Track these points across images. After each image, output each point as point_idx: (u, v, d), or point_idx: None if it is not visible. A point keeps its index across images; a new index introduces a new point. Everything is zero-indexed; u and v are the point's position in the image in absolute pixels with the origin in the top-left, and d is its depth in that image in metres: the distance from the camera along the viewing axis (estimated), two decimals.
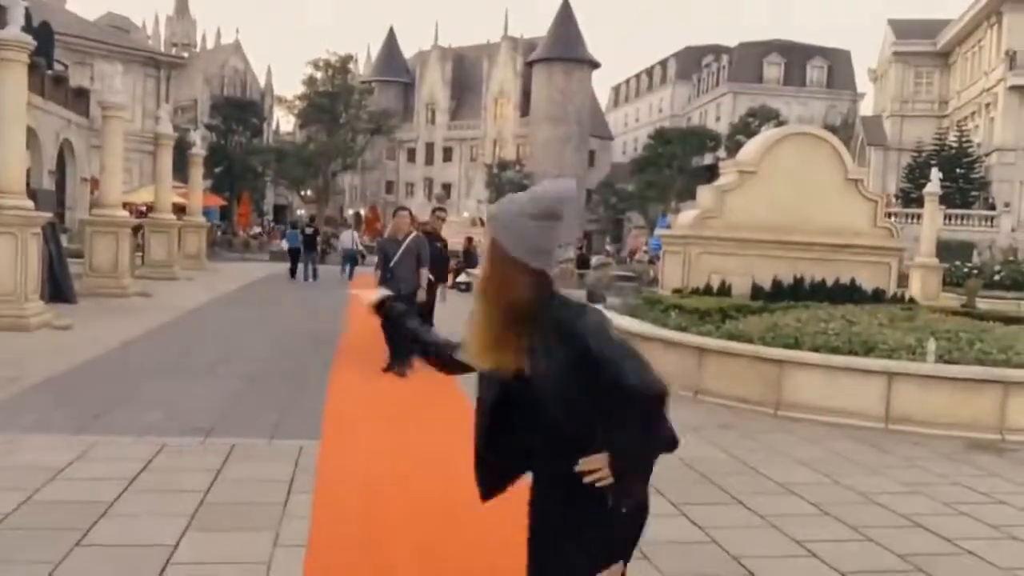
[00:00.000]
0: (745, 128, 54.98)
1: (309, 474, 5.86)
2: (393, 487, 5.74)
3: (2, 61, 12.48)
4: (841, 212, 13.41)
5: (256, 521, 4.87)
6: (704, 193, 14.17)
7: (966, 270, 32.36)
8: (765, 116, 57.15)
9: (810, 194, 13.24)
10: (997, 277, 29.06)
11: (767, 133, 15.85)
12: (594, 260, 20.22)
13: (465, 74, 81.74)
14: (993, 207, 43.97)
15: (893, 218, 27.31)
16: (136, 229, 21.55)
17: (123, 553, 4.31)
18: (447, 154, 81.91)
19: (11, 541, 4.39)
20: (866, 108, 68.98)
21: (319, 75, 60.66)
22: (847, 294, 12.68)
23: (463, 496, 5.86)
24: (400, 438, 7.17)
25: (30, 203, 12.82)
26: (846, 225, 13.42)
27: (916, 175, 46.43)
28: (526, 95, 74.16)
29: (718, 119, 70.18)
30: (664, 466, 6.41)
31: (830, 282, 12.96)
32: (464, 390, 9.32)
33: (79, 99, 34.94)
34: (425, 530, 4.93)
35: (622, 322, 11.18)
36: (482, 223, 56.98)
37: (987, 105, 48.05)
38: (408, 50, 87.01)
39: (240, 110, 57.44)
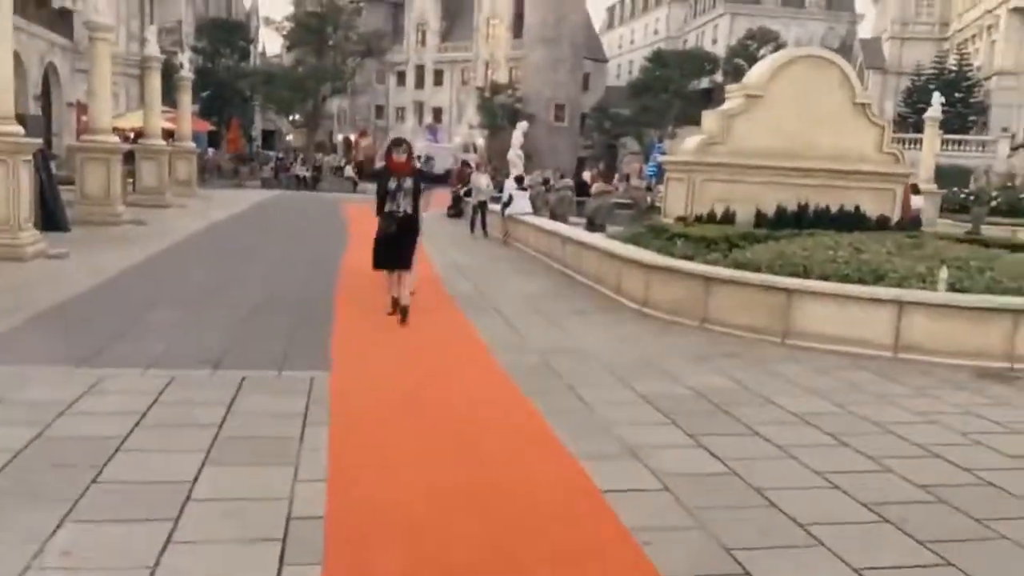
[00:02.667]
0: (744, 51, 54.10)
1: (322, 406, 5.80)
2: (407, 415, 5.69)
3: None
4: (848, 137, 13.23)
5: (274, 455, 4.81)
6: (709, 118, 13.91)
7: (963, 196, 32.26)
8: (764, 38, 56.12)
9: (817, 119, 13.03)
10: (994, 203, 29.00)
11: (775, 56, 15.50)
12: (594, 187, 19.98)
13: None
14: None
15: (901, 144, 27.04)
16: (127, 156, 21.12)
17: (141, 490, 4.26)
18: (438, 77, 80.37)
19: (28, 477, 4.33)
20: (865, 30, 67.87)
21: None
22: (852, 221, 12.60)
23: (475, 415, 5.86)
24: (409, 363, 7.12)
25: (20, 129, 12.46)
26: (852, 150, 13.25)
27: (915, 99, 45.93)
28: (519, 16, 72.29)
29: (715, 41, 68.91)
30: (675, 396, 6.45)
31: (835, 209, 12.87)
32: (462, 309, 9.30)
33: (62, 20, 33.92)
34: (441, 455, 4.89)
35: (625, 251, 11.08)
36: (474, 148, 56.38)
37: (989, 27, 47.28)
38: None
39: (226, 32, 55.70)
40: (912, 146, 34.89)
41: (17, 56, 26.01)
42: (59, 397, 5.63)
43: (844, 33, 65.39)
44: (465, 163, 30.00)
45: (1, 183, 11.88)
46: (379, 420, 5.64)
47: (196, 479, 4.41)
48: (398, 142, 9.45)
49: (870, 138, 13.45)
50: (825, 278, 8.89)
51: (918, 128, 34.77)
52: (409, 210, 8.94)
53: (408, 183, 8.94)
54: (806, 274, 9.04)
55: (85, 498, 4.10)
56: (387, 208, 8.88)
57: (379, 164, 26.06)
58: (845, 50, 55.59)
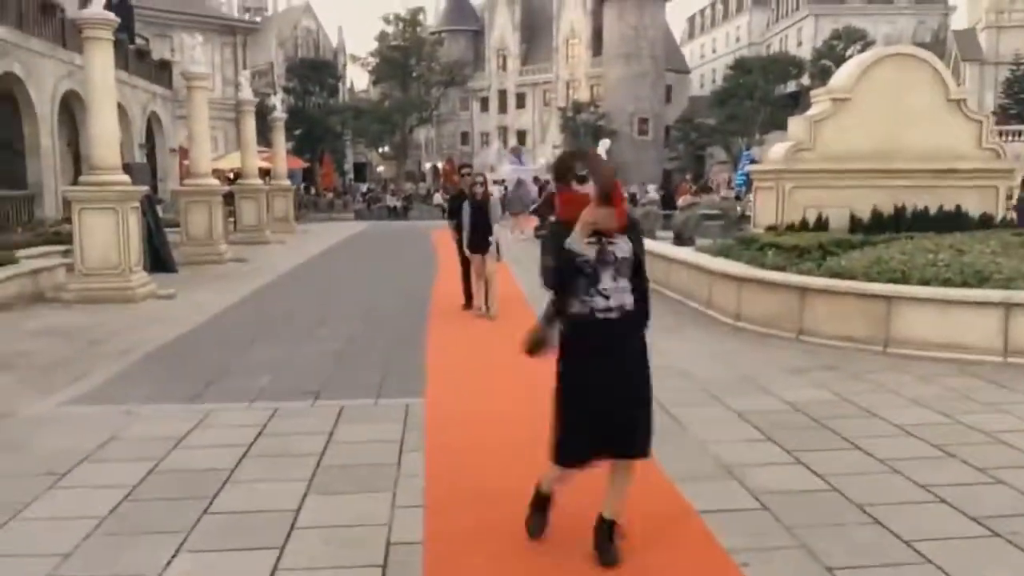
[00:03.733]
0: (830, 52, 52.87)
1: (417, 432, 5.93)
2: (500, 438, 5.76)
3: (88, 40, 12.79)
4: (943, 135, 12.76)
5: (372, 482, 4.94)
6: (795, 124, 13.64)
7: None
8: (851, 37, 54.74)
9: (909, 118, 12.62)
10: None
11: (860, 57, 15.11)
12: (681, 200, 19.80)
13: (534, 16, 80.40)
14: None
15: (1000, 137, 25.93)
16: (227, 196, 22.04)
17: (249, 519, 4.44)
18: (520, 100, 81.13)
19: (142, 511, 4.57)
20: (958, 21, 65.34)
21: (390, 29, 60.64)
22: (952, 222, 12.11)
23: None
24: (501, 385, 7.20)
25: (127, 178, 13.20)
26: (949, 148, 12.77)
27: (1016, 89, 43.99)
28: (597, 34, 72.54)
29: (799, 44, 67.53)
30: (772, 411, 6.33)
31: (933, 210, 12.40)
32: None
33: (162, 71, 35.70)
34: (535, 476, 4.92)
35: (714, 264, 10.95)
36: None
37: None
38: None
39: (315, 71, 57.72)
40: (1016, 138, 33.36)
41: (121, 108, 27.50)
42: (171, 432, 5.92)
43: (936, 26, 63.18)
44: (541, 185, 29.96)
45: (112, 230, 12.59)
46: (472, 443, 5.72)
47: (300, 508, 4.57)
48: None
49: (967, 134, 12.94)
50: (926, 283, 8.58)
51: (1022, 119, 33.26)
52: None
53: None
54: (905, 280, 8.74)
55: (197, 529, 4.30)
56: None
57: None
58: (938, 43, 53.74)
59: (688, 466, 5.17)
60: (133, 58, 31.53)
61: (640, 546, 4.09)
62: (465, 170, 12.01)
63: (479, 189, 10.69)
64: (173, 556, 3.98)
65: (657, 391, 6.90)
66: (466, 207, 10.66)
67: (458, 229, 11.03)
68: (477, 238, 10.61)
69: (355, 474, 5.12)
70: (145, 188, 14.80)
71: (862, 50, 40.21)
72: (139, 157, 30.79)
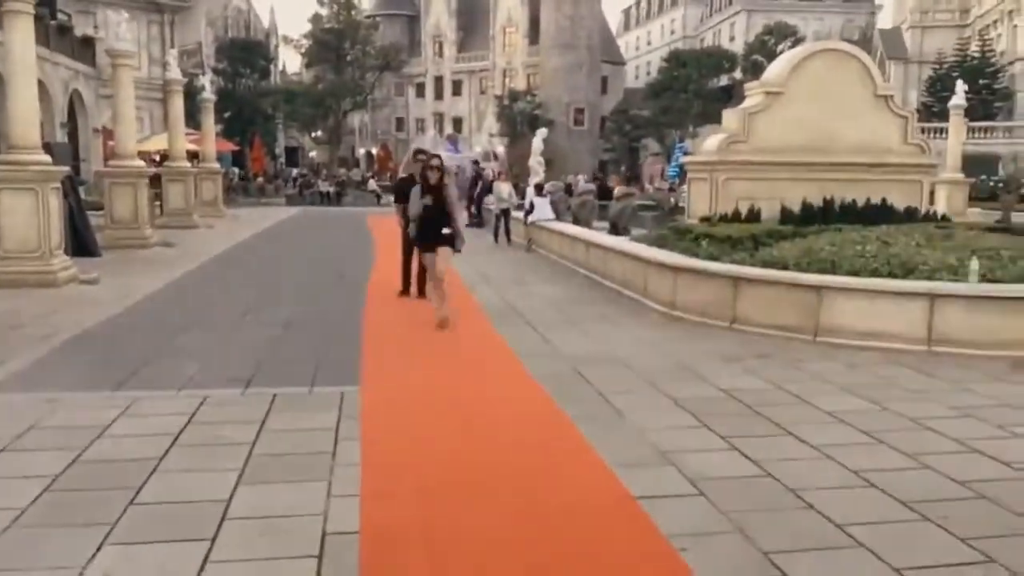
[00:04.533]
0: (762, 47, 53.87)
1: (353, 420, 5.82)
2: (436, 427, 5.70)
3: (8, 13, 12.20)
4: (871, 130, 13.11)
5: (307, 472, 4.83)
6: (730, 116, 13.84)
7: (992, 184, 31.81)
8: (782, 33, 55.85)
9: (839, 112, 12.92)
10: None
11: (793, 51, 15.39)
12: (616, 191, 19.91)
13: (471, 3, 79.94)
14: None
15: (924, 134, 26.77)
16: (154, 179, 21.39)
17: (178, 510, 4.29)
18: (456, 87, 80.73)
19: (65, 502, 4.38)
20: (884, 20, 67.18)
21: (324, 12, 59.63)
22: (879, 214, 12.46)
23: (504, 423, 5.84)
24: (438, 375, 7.13)
25: (47, 158, 12.67)
26: (876, 143, 13.12)
27: (938, 88, 45.43)
28: (535, 22, 72.39)
29: (732, 39, 68.66)
30: (707, 398, 6.40)
31: (861, 203, 12.73)
32: (489, 318, 9.30)
33: (85, 48, 34.50)
34: (475, 468, 4.88)
35: (650, 253, 11.04)
36: (495, 157, 56.46)
37: (1010, 12, 46.63)
38: None
39: (246, 52, 56.28)
40: (938, 135, 34.49)
41: (42, 85, 26.45)
42: (95, 421, 5.70)
43: (863, 24, 64.90)
44: (477, 171, 29.62)
45: (31, 211, 12.08)
46: (410, 433, 5.64)
47: (231, 498, 4.44)
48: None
49: (894, 129, 13.31)
50: (854, 273, 8.80)
51: (943, 117, 34.35)
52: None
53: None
54: (834, 270, 8.94)
55: (123, 520, 4.14)
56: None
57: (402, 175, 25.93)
58: (865, 42, 55.15)
59: (626, 453, 5.18)
60: (54, 34, 30.39)
61: (579, 532, 4.07)
62: (420, 156, 11.10)
63: (432, 174, 9.20)
64: (97, 549, 3.82)
65: (595, 379, 6.98)
66: (415, 193, 9.32)
67: (405, 216, 10.31)
68: (428, 231, 9.25)
69: (289, 463, 5.00)
70: (66, 168, 14.24)
71: (792, 46, 41.04)
72: (60, 136, 29.73)
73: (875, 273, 8.72)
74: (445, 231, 9.19)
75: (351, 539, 3.97)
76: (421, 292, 10.90)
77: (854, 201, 12.69)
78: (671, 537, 4.00)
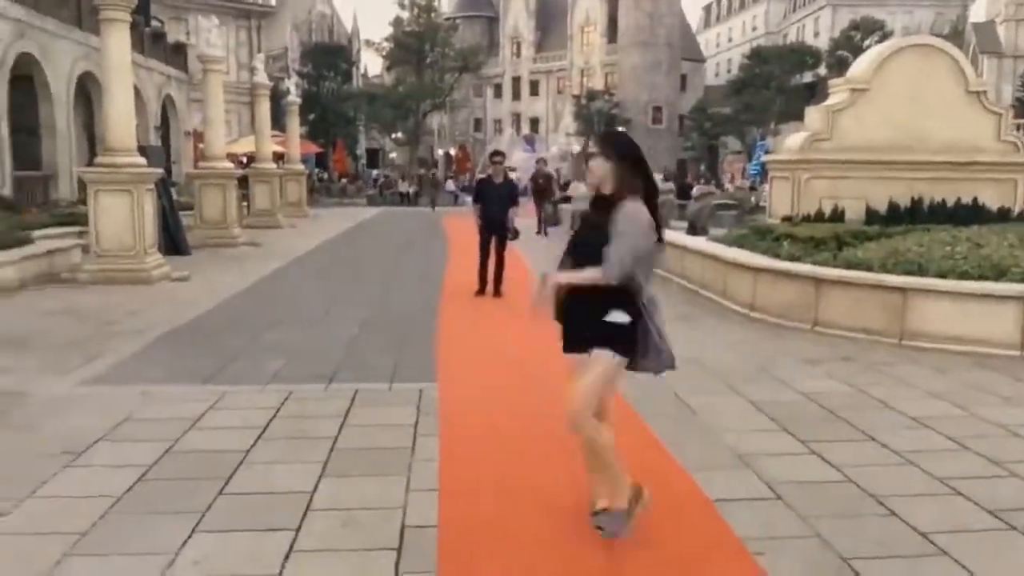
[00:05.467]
0: (848, 43, 52.49)
1: (432, 417, 5.93)
2: (513, 423, 5.76)
3: (105, 21, 12.79)
4: (962, 127, 12.66)
5: (387, 466, 4.95)
6: (813, 114, 13.55)
7: None
8: (868, 28, 54.32)
9: (928, 110, 12.53)
10: None
11: (880, 47, 14.98)
12: (695, 190, 19.74)
13: (549, 3, 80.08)
14: None
15: (1018, 131, 25.71)
16: (241, 180, 22.08)
17: (264, 501, 4.45)
18: (534, 87, 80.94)
19: (158, 491, 4.58)
20: (977, 14, 64.64)
21: (405, 15, 60.46)
22: (970, 214, 12.02)
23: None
24: (513, 370, 7.20)
25: (142, 160, 13.23)
26: (967, 141, 12.67)
27: None
28: (612, 21, 72.18)
29: (817, 35, 67.07)
30: (787, 402, 6.30)
31: (951, 202, 12.31)
32: None
33: (177, 54, 35.77)
34: (550, 467, 4.93)
35: (729, 253, 10.90)
36: (572, 157, 56.35)
37: None
38: None
39: (329, 56, 57.51)
40: None
41: (136, 90, 27.56)
42: (186, 413, 5.94)
43: (955, 18, 62.54)
44: (541, 172, 28.86)
45: (126, 211, 12.63)
46: (486, 428, 5.72)
47: (315, 490, 4.58)
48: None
49: (986, 127, 12.83)
50: (943, 275, 8.53)
51: None
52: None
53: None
54: (922, 272, 8.69)
55: (213, 509, 4.32)
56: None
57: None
58: (956, 36, 53.14)
59: (703, 455, 5.16)
60: (148, 40, 31.59)
61: (655, 535, 4.08)
62: (497, 158, 12.23)
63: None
64: (189, 536, 3.99)
65: (672, 380, 6.91)
66: (490, 191, 11.43)
67: (483, 217, 11.42)
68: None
69: (370, 457, 5.13)
70: (160, 170, 14.83)
71: (879, 41, 39.88)
72: (154, 140, 30.90)
73: (965, 275, 8.43)
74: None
75: (429, 532, 4.06)
76: (497, 291, 11.40)
77: (943, 201, 12.28)
78: (747, 540, 3.97)
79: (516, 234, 11.51)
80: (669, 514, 4.33)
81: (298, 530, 4.08)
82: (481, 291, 11.50)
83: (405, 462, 5.03)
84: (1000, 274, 8.41)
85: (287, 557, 3.80)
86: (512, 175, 19.80)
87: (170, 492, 4.56)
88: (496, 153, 12.76)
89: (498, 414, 6.08)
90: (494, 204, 11.28)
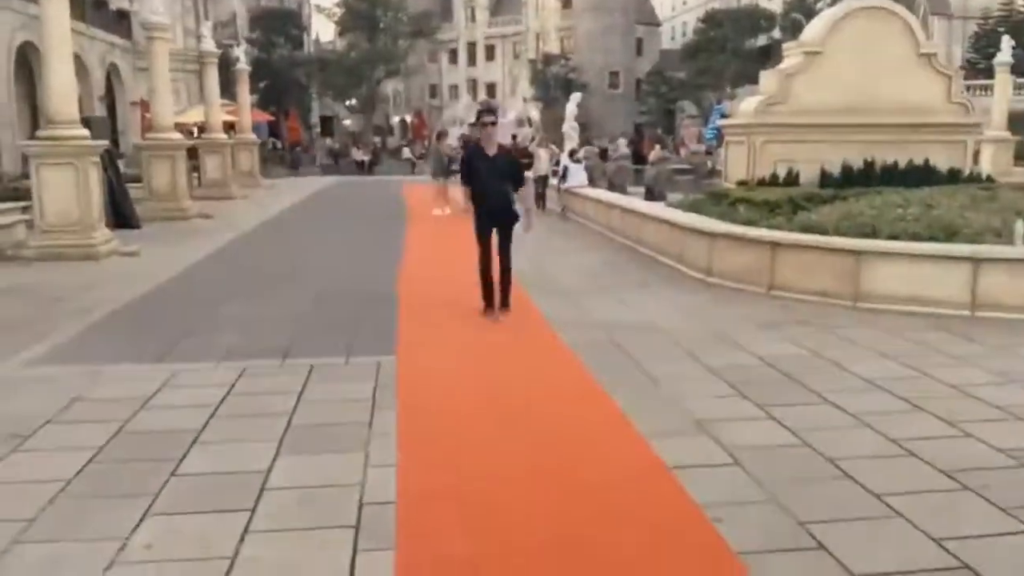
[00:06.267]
0: (801, 5, 52.54)
1: (390, 390, 5.86)
2: (471, 395, 5.72)
3: None
4: (913, 90, 12.80)
5: (344, 442, 4.88)
6: (767, 77, 13.59)
7: None
8: None
9: (880, 72, 12.63)
10: None
11: (832, 9, 15.01)
12: (651, 155, 19.72)
13: None
14: None
15: (967, 91, 26.03)
16: (191, 151, 21.58)
17: (218, 481, 4.36)
18: (490, 52, 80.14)
19: (108, 474, 4.47)
20: None
21: None
22: (921, 176, 12.22)
23: (540, 394, 5.85)
24: (471, 344, 7.15)
25: (85, 132, 12.82)
26: (919, 103, 12.81)
27: (983, 44, 44.15)
28: None
29: None
30: (744, 366, 6.34)
31: (903, 164, 12.47)
32: (522, 286, 9.28)
33: (121, 22, 34.67)
34: (509, 439, 4.90)
35: (685, 219, 10.92)
36: (529, 122, 56.08)
37: None
38: None
39: (279, 21, 56.29)
40: (983, 93, 33.55)
41: (79, 59, 26.72)
42: (137, 393, 5.80)
43: None
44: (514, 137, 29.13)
45: (71, 185, 12.27)
46: (444, 402, 5.68)
47: (271, 468, 4.50)
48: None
49: (937, 89, 12.98)
50: (895, 237, 8.64)
51: (989, 74, 33.41)
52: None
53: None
54: (875, 234, 8.79)
55: (165, 492, 4.22)
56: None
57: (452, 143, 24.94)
58: None
59: (661, 422, 5.17)
60: (90, 8, 30.56)
61: (613, 503, 4.08)
62: (488, 118, 8.43)
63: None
64: (141, 520, 3.90)
65: (630, 348, 6.95)
66: (482, 165, 8.02)
67: (475, 201, 8.19)
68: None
69: (327, 433, 5.06)
70: (104, 142, 14.39)
71: (832, 4, 40.04)
72: (99, 110, 30.02)
73: (916, 237, 8.55)
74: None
75: (387, 508, 4.01)
76: (505, 303, 8.28)
77: (896, 163, 12.44)
78: (705, 507, 3.99)
79: (528, 225, 8.33)
80: (627, 482, 4.33)
81: (253, 510, 4.00)
82: (490, 306, 8.23)
83: (363, 437, 4.96)
84: (951, 235, 8.54)
85: (242, 539, 3.73)
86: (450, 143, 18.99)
87: (121, 475, 4.45)
88: (486, 112, 9.01)
89: (457, 386, 6.04)
90: (492, 183, 7.98)
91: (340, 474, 4.42)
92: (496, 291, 8.19)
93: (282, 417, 5.32)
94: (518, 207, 8.18)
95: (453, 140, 28.82)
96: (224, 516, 3.94)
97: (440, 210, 18.16)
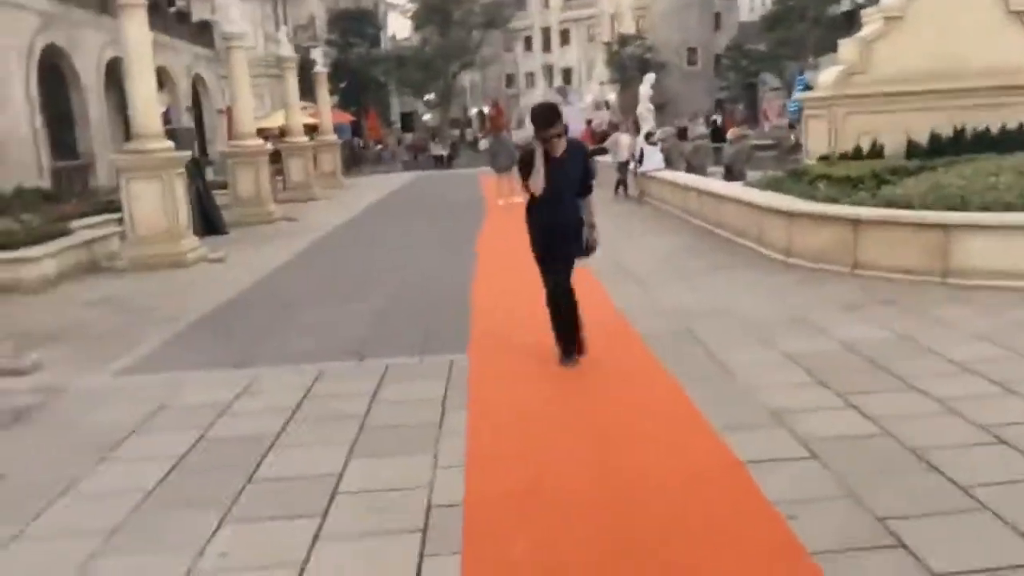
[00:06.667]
0: None
1: (461, 390, 5.89)
2: (543, 396, 5.69)
3: (123, 7, 12.76)
4: (1003, 50, 12.16)
5: (415, 443, 4.92)
6: (846, 47, 13.10)
7: None
8: None
9: (966, 34, 12.04)
10: None
11: None
12: (730, 133, 19.27)
13: None
14: None
15: None
16: (275, 155, 22.11)
17: (291, 487, 4.45)
18: (564, 37, 79.69)
19: (190, 481, 4.62)
20: None
21: None
22: (1016, 141, 11.56)
23: (609, 385, 5.78)
24: (546, 342, 7.10)
25: (170, 144, 13.26)
26: (1010, 63, 12.17)
27: None
28: None
29: None
30: (824, 352, 6.13)
31: (995, 130, 11.85)
32: (594, 274, 9.17)
33: (203, 32, 35.76)
34: (579, 440, 4.86)
35: (763, 199, 10.62)
36: (607, 105, 55.50)
37: None
38: None
39: (356, 21, 57.19)
40: None
41: (166, 72, 27.70)
42: (218, 399, 5.97)
43: None
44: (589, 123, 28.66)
45: (158, 196, 12.71)
46: (515, 400, 5.66)
47: (342, 472, 4.57)
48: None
49: None
50: (986, 208, 8.21)
51: None
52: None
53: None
54: (964, 206, 8.37)
55: (241, 499, 4.33)
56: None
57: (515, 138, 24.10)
58: None
59: (735, 414, 5.04)
60: (173, 21, 31.61)
61: (683, 503, 3.99)
62: (548, 131, 6.03)
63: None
64: (217, 528, 4.01)
65: (703, 334, 6.81)
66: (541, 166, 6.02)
67: (536, 226, 6.33)
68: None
69: (398, 435, 5.10)
70: (188, 153, 14.87)
71: None
72: (187, 120, 31.08)
73: (1009, 207, 8.10)
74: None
75: (455, 511, 4.02)
76: (579, 348, 6.42)
77: (988, 128, 11.84)
78: (778, 504, 3.86)
79: (591, 250, 6.41)
80: (698, 482, 4.24)
81: (324, 516, 4.07)
82: (568, 352, 6.38)
83: (433, 437, 4.99)
84: None
85: (312, 545, 3.79)
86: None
87: (200, 482, 4.59)
88: (543, 121, 6.07)
89: (527, 386, 6.02)
90: (556, 199, 6.10)
91: (409, 476, 4.45)
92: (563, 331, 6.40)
93: (355, 420, 5.40)
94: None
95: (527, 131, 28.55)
96: (296, 523, 4.02)
97: (504, 200, 18.19)
